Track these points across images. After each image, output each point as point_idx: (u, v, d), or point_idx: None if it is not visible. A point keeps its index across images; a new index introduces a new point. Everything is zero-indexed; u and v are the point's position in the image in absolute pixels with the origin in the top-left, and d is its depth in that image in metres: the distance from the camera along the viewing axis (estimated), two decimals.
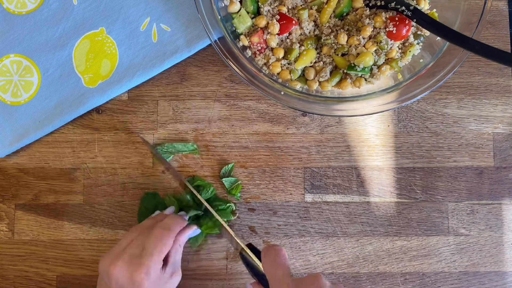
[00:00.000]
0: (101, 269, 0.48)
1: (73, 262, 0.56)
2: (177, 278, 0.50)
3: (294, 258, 0.56)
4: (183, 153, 0.57)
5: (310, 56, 0.53)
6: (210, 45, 0.57)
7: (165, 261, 0.50)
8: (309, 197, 0.56)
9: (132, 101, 0.57)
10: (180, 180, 0.55)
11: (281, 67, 0.53)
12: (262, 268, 0.45)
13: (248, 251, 0.48)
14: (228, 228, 0.51)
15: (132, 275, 0.45)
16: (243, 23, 0.53)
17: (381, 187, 0.57)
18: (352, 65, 0.52)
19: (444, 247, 0.56)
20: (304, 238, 0.56)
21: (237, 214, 0.56)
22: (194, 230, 0.53)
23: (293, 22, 0.52)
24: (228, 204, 0.55)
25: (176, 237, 0.51)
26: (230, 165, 0.56)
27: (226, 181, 0.56)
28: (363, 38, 0.52)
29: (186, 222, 0.52)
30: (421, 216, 0.56)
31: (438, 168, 0.57)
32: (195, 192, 0.53)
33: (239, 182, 0.56)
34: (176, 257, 0.51)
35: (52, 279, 0.55)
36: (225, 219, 0.55)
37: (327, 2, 0.53)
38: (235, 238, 0.49)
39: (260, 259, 0.46)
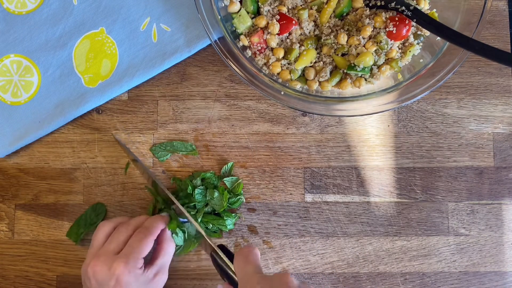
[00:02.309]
0: (82, 274, 0.48)
1: (73, 262, 0.56)
2: (162, 278, 0.50)
3: (294, 258, 0.56)
4: (182, 153, 0.57)
5: (310, 56, 0.53)
6: (210, 45, 0.57)
7: (152, 261, 0.50)
8: (309, 197, 0.56)
9: (132, 101, 0.57)
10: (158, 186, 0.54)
11: (281, 67, 0.53)
12: (232, 269, 0.46)
13: (220, 251, 0.48)
14: (200, 229, 0.51)
15: (110, 267, 0.45)
16: (243, 23, 0.53)
17: (381, 187, 0.57)
18: (352, 65, 0.52)
19: (444, 247, 0.56)
20: (304, 238, 0.56)
21: (239, 216, 0.56)
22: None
23: (293, 22, 0.52)
24: (238, 197, 0.55)
25: (162, 238, 0.51)
26: (229, 164, 0.56)
27: (227, 180, 0.56)
28: (363, 38, 0.52)
29: (166, 221, 0.52)
30: (421, 216, 0.57)
31: (438, 168, 0.57)
32: (173, 199, 0.53)
33: (240, 180, 0.56)
34: (166, 259, 0.51)
35: (52, 279, 0.55)
36: (225, 230, 0.55)
37: (327, 2, 0.53)
38: (207, 239, 0.50)
39: (231, 261, 0.47)
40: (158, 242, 0.52)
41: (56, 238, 0.56)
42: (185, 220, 0.53)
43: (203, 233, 0.51)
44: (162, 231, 0.52)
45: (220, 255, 0.48)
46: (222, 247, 0.49)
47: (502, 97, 0.58)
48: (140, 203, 0.56)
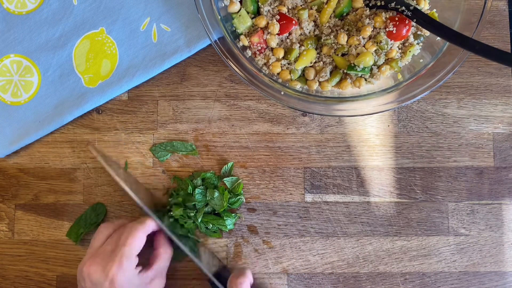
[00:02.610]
0: (78, 273, 0.48)
1: (73, 262, 0.56)
2: (159, 283, 0.50)
3: (294, 258, 0.56)
4: (182, 153, 0.57)
5: (310, 56, 0.53)
6: (210, 45, 0.57)
7: (149, 266, 0.50)
8: (309, 197, 0.56)
9: (132, 101, 0.57)
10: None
11: (281, 67, 0.53)
12: None
13: (215, 280, 0.50)
14: (195, 260, 0.51)
15: (104, 268, 0.45)
16: (243, 23, 0.53)
17: (381, 187, 0.57)
18: (352, 65, 0.52)
19: (444, 247, 0.56)
20: (304, 238, 0.56)
21: (239, 216, 0.56)
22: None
23: (293, 22, 0.52)
24: (238, 197, 0.55)
25: (159, 243, 0.51)
26: (229, 164, 0.56)
27: (227, 181, 0.56)
28: (363, 38, 0.52)
29: (157, 223, 0.52)
30: (421, 216, 0.56)
31: (438, 168, 0.57)
32: (160, 223, 0.52)
33: (240, 180, 0.56)
34: (162, 264, 0.50)
35: (52, 279, 0.55)
36: (225, 230, 0.55)
37: (327, 2, 0.53)
38: (203, 269, 0.50)
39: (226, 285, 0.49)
40: (155, 247, 0.52)
41: (56, 238, 0.56)
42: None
43: (198, 263, 0.51)
44: (158, 235, 0.52)
45: (216, 284, 0.50)
46: (218, 275, 0.51)
47: (502, 97, 0.58)
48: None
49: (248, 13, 0.54)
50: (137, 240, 0.47)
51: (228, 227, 0.54)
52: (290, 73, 0.53)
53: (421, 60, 0.53)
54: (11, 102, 0.56)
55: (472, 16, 0.50)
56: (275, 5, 0.54)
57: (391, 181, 0.57)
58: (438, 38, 0.52)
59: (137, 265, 0.48)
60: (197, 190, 0.53)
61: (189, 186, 0.54)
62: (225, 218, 0.54)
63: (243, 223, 0.56)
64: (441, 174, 0.57)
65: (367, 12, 0.53)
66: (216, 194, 0.54)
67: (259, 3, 0.54)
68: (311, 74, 0.53)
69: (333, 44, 0.53)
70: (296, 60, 0.53)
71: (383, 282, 0.56)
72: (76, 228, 0.55)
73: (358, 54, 0.52)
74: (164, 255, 0.51)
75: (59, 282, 0.55)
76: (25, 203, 0.56)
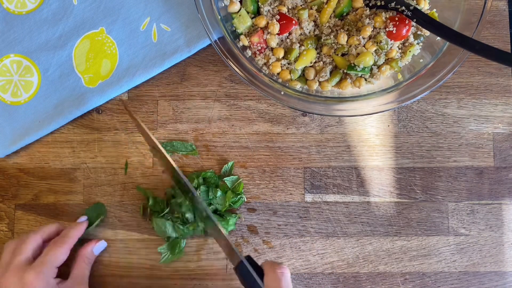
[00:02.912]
0: None
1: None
2: None
3: (294, 258, 0.56)
4: (182, 153, 0.57)
5: (310, 56, 0.53)
6: (210, 45, 0.57)
7: (68, 274, 0.50)
8: (309, 197, 0.56)
9: (132, 101, 0.57)
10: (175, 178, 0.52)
11: (281, 67, 0.53)
12: (261, 284, 0.44)
13: (249, 266, 0.45)
14: (228, 239, 0.47)
15: (21, 277, 0.45)
16: (243, 23, 0.53)
17: (381, 187, 0.57)
18: (352, 65, 0.52)
19: (444, 247, 0.56)
20: (304, 238, 0.56)
21: (239, 216, 0.56)
22: (100, 244, 0.53)
23: (293, 22, 0.52)
24: (239, 196, 0.55)
25: (81, 251, 0.51)
26: (230, 164, 0.56)
27: (228, 180, 0.56)
28: (363, 38, 0.52)
29: (84, 228, 0.53)
30: (421, 216, 0.57)
31: (438, 168, 0.57)
32: (192, 189, 0.50)
33: (241, 180, 0.56)
34: (80, 272, 0.50)
35: None
36: (226, 229, 0.55)
37: (327, 2, 0.53)
38: (235, 250, 0.46)
39: (257, 274, 0.44)
40: (76, 255, 0.52)
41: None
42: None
43: (231, 244, 0.46)
44: (87, 244, 0.52)
45: (249, 269, 0.45)
46: (249, 259, 0.46)
47: (502, 97, 0.58)
48: (140, 203, 0.56)
49: (248, 13, 0.54)
50: (61, 255, 0.48)
51: (230, 227, 0.54)
52: (290, 73, 0.53)
53: (421, 60, 0.53)
54: (11, 102, 0.56)
55: (472, 16, 0.50)
56: (275, 5, 0.54)
57: (391, 181, 0.57)
58: (438, 38, 0.52)
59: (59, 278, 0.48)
60: (202, 188, 0.53)
61: (195, 180, 0.54)
62: (228, 218, 0.54)
63: (243, 223, 0.56)
64: (441, 174, 0.57)
65: (367, 12, 0.53)
66: (219, 193, 0.54)
67: (259, 3, 0.54)
68: (311, 74, 0.53)
69: (333, 44, 0.53)
70: (296, 60, 0.53)
71: (383, 282, 0.56)
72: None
73: (358, 54, 0.52)
74: (81, 262, 0.50)
75: None
76: (25, 203, 0.56)
